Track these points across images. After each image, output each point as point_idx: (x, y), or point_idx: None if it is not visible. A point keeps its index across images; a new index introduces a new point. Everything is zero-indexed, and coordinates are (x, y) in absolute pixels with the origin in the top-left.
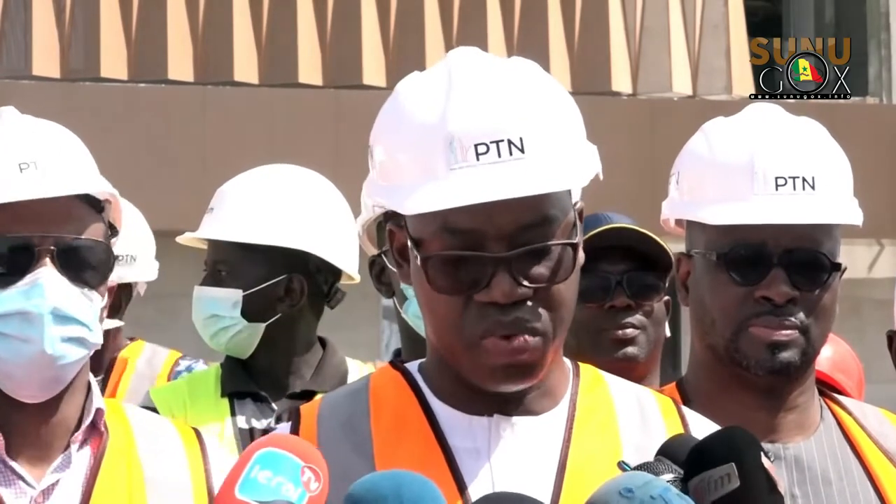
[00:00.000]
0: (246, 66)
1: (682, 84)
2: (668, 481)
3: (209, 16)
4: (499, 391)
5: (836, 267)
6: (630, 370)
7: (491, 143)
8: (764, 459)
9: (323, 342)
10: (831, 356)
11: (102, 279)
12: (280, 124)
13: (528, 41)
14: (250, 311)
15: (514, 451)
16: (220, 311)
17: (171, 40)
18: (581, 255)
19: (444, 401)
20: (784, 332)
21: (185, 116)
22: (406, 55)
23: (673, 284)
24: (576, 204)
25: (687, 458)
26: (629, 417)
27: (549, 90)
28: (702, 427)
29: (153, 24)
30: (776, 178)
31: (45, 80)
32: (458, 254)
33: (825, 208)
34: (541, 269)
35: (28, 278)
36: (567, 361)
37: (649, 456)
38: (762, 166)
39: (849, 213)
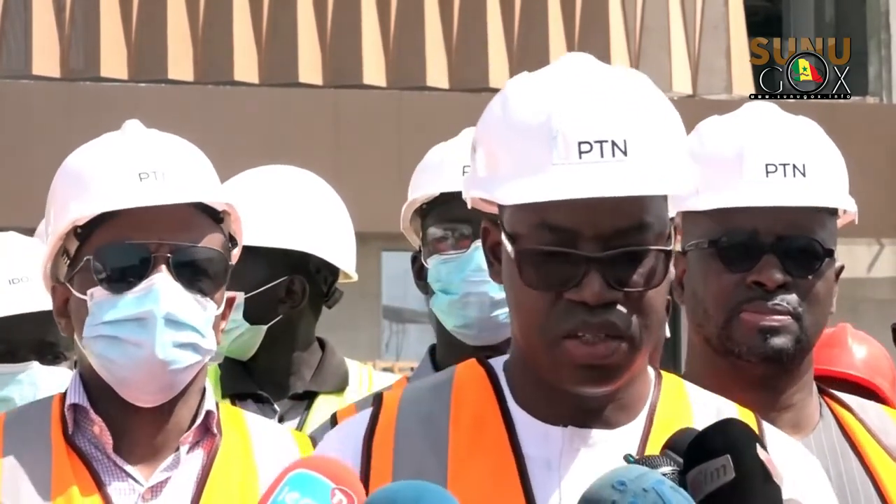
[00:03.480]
0: (246, 66)
1: (681, 83)
2: (665, 474)
3: (209, 16)
4: (579, 393)
5: (829, 254)
6: None
7: (595, 142)
8: (760, 450)
9: (322, 343)
10: (865, 357)
11: (217, 287)
12: (280, 124)
13: (528, 41)
14: (252, 314)
15: (585, 465)
16: None
17: (171, 40)
18: (671, 267)
19: (523, 406)
20: (776, 317)
21: (185, 116)
22: (406, 55)
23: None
24: (672, 218)
25: (685, 451)
26: None
27: (657, 100)
28: (780, 442)
29: (153, 24)
30: (766, 165)
31: (45, 79)
32: (553, 249)
33: (816, 193)
34: (633, 274)
35: (144, 284)
36: (651, 371)
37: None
38: (752, 153)
39: (841, 199)
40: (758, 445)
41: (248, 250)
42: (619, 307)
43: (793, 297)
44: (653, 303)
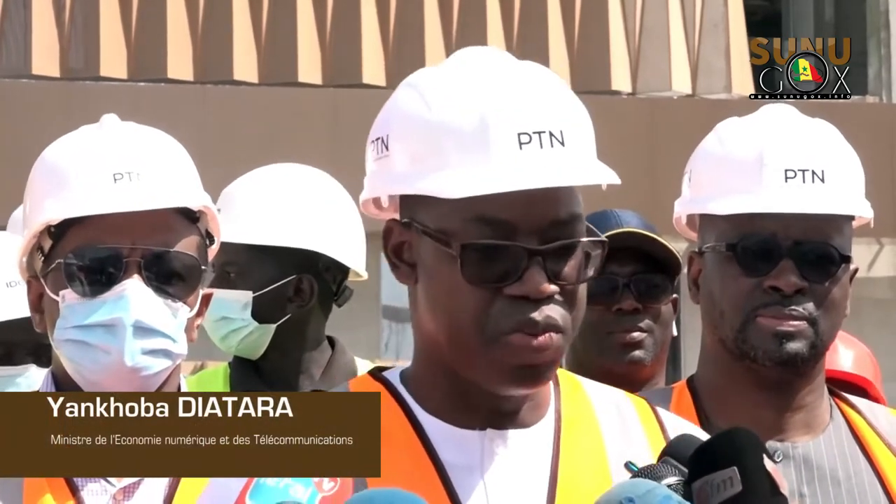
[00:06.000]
0: (246, 65)
1: (681, 83)
2: (671, 485)
3: (209, 16)
4: (506, 395)
5: (846, 260)
6: (636, 373)
7: (533, 133)
8: (767, 461)
9: (332, 341)
10: (853, 358)
11: (190, 291)
12: (279, 124)
13: (527, 41)
14: (260, 313)
15: (506, 465)
16: (230, 313)
17: (171, 40)
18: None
19: (433, 413)
20: (792, 322)
21: (185, 116)
22: (406, 55)
23: (679, 284)
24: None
25: (690, 460)
26: (610, 424)
27: (571, 93)
28: (679, 429)
29: (153, 23)
30: (786, 171)
31: (45, 79)
32: (498, 243)
33: (835, 200)
34: (568, 267)
35: (115, 290)
36: None
37: (632, 461)
38: (772, 159)
39: (859, 206)
40: (764, 456)
41: (256, 249)
42: (556, 301)
43: (809, 303)
44: (581, 297)
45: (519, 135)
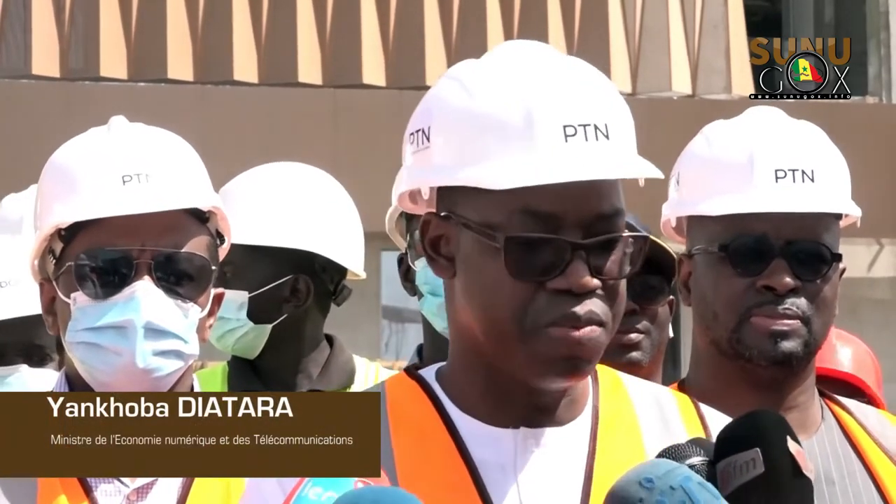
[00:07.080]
0: (245, 65)
1: (681, 84)
2: (694, 465)
3: (209, 15)
4: (545, 388)
5: (837, 258)
6: (633, 374)
7: (579, 126)
8: (791, 443)
9: (330, 340)
10: (850, 356)
11: (201, 291)
12: (279, 123)
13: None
14: (256, 313)
15: (540, 464)
16: (226, 313)
17: (171, 40)
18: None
19: (467, 411)
20: (786, 321)
21: (184, 116)
22: (405, 55)
23: (675, 285)
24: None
25: (716, 442)
26: (650, 421)
27: (614, 88)
28: (722, 425)
29: (153, 23)
30: (776, 171)
31: (45, 80)
32: (544, 236)
33: (825, 198)
34: (610, 262)
35: (125, 292)
36: None
37: None
38: (762, 159)
39: (849, 205)
40: (788, 438)
41: (252, 249)
42: (597, 296)
43: (802, 301)
44: (622, 293)
45: (564, 127)
